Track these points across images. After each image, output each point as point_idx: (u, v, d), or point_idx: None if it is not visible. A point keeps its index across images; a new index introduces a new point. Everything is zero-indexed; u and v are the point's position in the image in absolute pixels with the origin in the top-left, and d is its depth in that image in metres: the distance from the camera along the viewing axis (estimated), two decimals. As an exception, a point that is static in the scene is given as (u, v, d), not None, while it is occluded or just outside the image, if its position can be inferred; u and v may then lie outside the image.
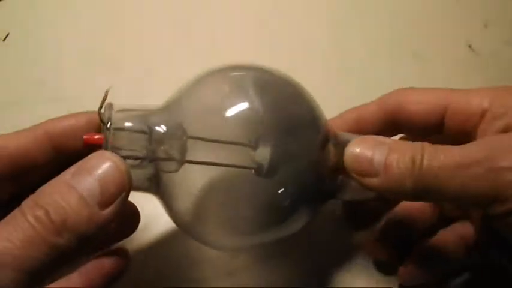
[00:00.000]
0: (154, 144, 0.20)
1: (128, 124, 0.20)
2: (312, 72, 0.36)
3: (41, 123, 0.22)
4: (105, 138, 0.19)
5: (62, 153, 0.22)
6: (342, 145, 0.23)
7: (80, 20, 0.38)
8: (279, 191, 0.22)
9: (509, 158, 0.18)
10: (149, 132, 0.20)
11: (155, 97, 0.35)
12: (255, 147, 0.21)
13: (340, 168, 0.22)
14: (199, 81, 0.22)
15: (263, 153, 0.21)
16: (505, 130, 0.21)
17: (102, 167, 0.18)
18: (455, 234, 0.27)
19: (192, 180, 0.21)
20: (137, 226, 0.25)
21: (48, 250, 0.16)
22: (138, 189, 0.21)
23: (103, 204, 0.17)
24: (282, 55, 0.37)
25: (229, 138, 0.20)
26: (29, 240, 0.16)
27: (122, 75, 0.36)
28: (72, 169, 0.18)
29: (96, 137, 0.19)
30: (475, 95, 0.23)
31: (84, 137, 0.19)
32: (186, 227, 0.23)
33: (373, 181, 0.20)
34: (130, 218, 0.25)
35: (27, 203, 0.17)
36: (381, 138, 0.21)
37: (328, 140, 0.23)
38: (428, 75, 0.37)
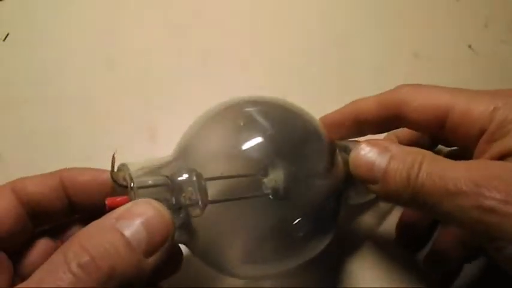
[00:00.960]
0: (176, 194, 0.20)
1: (149, 181, 0.20)
2: (311, 72, 0.37)
3: (60, 171, 0.22)
4: (130, 198, 0.19)
5: (76, 204, 0.22)
6: (344, 151, 0.23)
7: (80, 20, 0.38)
8: (300, 209, 0.22)
9: (496, 197, 0.17)
10: (170, 183, 0.20)
11: (155, 97, 0.35)
12: (265, 174, 0.21)
13: (347, 174, 0.23)
14: (203, 123, 0.23)
15: (277, 177, 0.21)
16: (501, 154, 0.20)
17: (148, 214, 0.17)
18: (453, 235, 0.27)
19: (215, 219, 0.21)
20: (180, 266, 0.24)
21: None
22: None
23: (149, 252, 0.17)
24: (281, 53, 0.37)
25: (242, 171, 0.21)
26: None
27: (122, 75, 0.36)
28: (116, 213, 0.17)
29: (119, 199, 0.19)
30: (478, 105, 0.21)
31: (106, 202, 0.19)
32: (218, 266, 0.23)
33: (374, 187, 0.21)
34: (173, 258, 0.24)
35: (71, 247, 0.16)
36: (386, 143, 0.21)
37: (334, 150, 0.24)
38: (429, 75, 0.37)
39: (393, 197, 0.20)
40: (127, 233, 0.17)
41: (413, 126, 0.24)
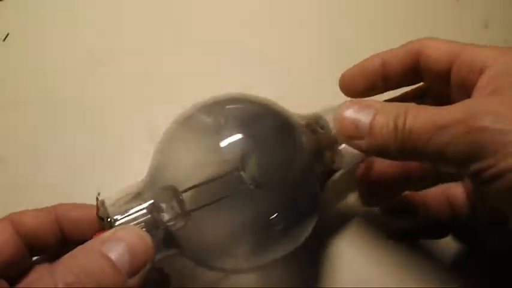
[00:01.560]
0: (156, 214, 0.21)
1: (128, 210, 0.21)
2: (310, 73, 0.37)
3: (55, 206, 0.23)
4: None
5: (69, 237, 0.23)
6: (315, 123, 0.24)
7: (80, 20, 0.38)
8: (281, 195, 0.23)
9: (488, 118, 0.18)
10: (148, 206, 0.21)
11: (155, 97, 0.35)
12: (242, 168, 0.22)
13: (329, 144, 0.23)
14: (168, 138, 0.24)
15: (252, 167, 0.22)
16: (494, 92, 0.20)
17: (130, 238, 0.19)
18: (443, 193, 0.27)
19: (202, 224, 0.22)
20: None
21: None
22: (158, 255, 0.22)
23: (131, 273, 0.18)
24: (281, 53, 0.37)
25: (216, 172, 0.22)
26: None
27: (122, 75, 0.36)
28: (101, 238, 0.19)
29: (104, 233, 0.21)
30: (484, 51, 0.22)
31: (93, 236, 0.21)
32: (210, 265, 0.24)
33: (360, 143, 0.21)
34: (160, 283, 0.25)
35: (58, 269, 0.17)
36: (369, 101, 0.22)
37: (301, 128, 0.24)
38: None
39: (382, 151, 0.21)
40: (112, 255, 0.18)
41: (429, 75, 0.24)
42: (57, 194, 0.31)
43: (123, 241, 0.19)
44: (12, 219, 0.22)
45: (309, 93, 0.35)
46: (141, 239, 0.19)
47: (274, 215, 0.22)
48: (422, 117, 0.19)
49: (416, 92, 0.28)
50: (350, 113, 0.21)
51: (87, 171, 0.32)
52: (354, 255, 0.29)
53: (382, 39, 0.38)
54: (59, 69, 0.36)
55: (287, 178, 0.23)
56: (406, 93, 0.28)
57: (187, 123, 0.24)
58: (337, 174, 0.27)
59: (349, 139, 0.21)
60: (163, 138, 0.24)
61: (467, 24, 0.39)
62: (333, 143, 0.25)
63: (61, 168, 0.32)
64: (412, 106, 0.20)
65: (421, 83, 0.27)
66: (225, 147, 0.22)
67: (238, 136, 0.22)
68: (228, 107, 0.24)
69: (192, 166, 0.22)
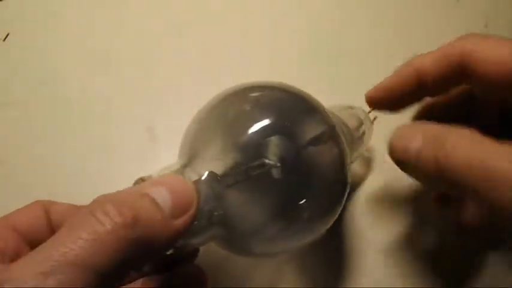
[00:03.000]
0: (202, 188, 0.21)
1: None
2: (310, 73, 0.37)
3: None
4: None
5: None
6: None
7: (80, 20, 0.38)
8: (309, 181, 0.22)
9: None
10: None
11: (155, 97, 0.35)
12: (272, 154, 0.22)
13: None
14: (198, 124, 0.24)
15: (282, 153, 0.22)
16: None
17: (172, 181, 0.18)
18: None
19: (235, 205, 0.22)
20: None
21: (118, 246, 0.15)
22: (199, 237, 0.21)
23: (174, 214, 0.17)
24: (281, 54, 0.37)
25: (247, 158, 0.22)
26: (98, 238, 0.15)
27: (121, 75, 0.36)
28: (137, 186, 0.18)
29: None
30: None
31: None
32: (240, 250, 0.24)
33: (407, 169, 0.20)
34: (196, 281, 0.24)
35: (95, 201, 0.16)
36: (415, 128, 0.21)
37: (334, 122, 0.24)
38: (429, 75, 0.37)
39: (425, 183, 0.20)
40: (152, 193, 0.17)
41: (480, 82, 0.21)
42: (57, 194, 0.31)
43: (163, 184, 0.18)
44: (44, 204, 0.22)
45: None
46: (182, 181, 0.19)
47: (303, 201, 0.22)
48: (464, 153, 0.18)
49: (463, 96, 0.25)
50: (399, 139, 0.21)
51: (87, 171, 0.32)
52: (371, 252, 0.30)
53: (382, 39, 0.38)
54: (59, 69, 0.36)
55: (317, 164, 0.23)
56: (450, 97, 0.26)
57: (218, 107, 0.24)
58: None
59: (398, 164, 0.21)
60: (195, 121, 0.24)
61: (467, 24, 0.39)
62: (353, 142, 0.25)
63: (61, 169, 0.32)
64: (456, 139, 0.18)
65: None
66: (256, 132, 0.22)
67: (271, 121, 0.22)
68: (258, 93, 0.24)
69: (222, 150, 0.22)
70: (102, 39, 0.37)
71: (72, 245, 0.14)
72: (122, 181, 0.23)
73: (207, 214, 0.20)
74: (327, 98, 0.26)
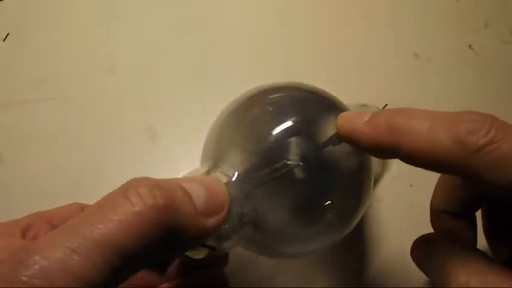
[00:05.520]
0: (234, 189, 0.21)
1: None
2: (311, 72, 0.36)
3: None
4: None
5: None
6: None
7: (80, 20, 0.38)
8: (337, 181, 0.23)
9: None
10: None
11: (155, 97, 0.35)
12: (295, 155, 0.22)
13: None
14: (221, 125, 0.24)
15: (306, 154, 0.22)
16: None
17: (206, 180, 0.18)
18: None
19: (262, 206, 0.22)
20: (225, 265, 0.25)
21: (146, 229, 0.15)
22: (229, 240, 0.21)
23: (207, 212, 0.17)
24: (281, 54, 0.37)
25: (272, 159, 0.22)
26: (126, 219, 0.15)
27: (122, 75, 0.36)
28: (178, 178, 0.18)
29: None
30: None
31: None
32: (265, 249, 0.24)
33: None
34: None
35: (129, 182, 0.16)
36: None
37: None
38: (429, 75, 0.37)
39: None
40: (188, 187, 0.17)
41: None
42: (57, 194, 0.31)
43: (198, 182, 0.18)
44: (81, 206, 0.22)
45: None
46: (217, 182, 0.19)
47: (327, 199, 0.22)
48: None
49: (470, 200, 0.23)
50: None
51: (87, 171, 0.32)
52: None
53: (382, 39, 0.38)
54: (59, 69, 0.36)
55: (342, 166, 0.23)
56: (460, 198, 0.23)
57: (239, 110, 0.24)
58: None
59: None
60: (217, 125, 0.24)
61: (467, 24, 0.39)
62: None
63: (61, 169, 0.32)
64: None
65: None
66: (279, 134, 0.22)
67: (293, 123, 0.22)
68: (279, 94, 0.24)
69: (245, 153, 0.22)
70: (102, 39, 0.37)
71: (100, 225, 0.14)
72: (121, 181, 0.23)
73: (237, 216, 0.20)
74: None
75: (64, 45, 0.37)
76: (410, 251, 0.21)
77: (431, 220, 0.24)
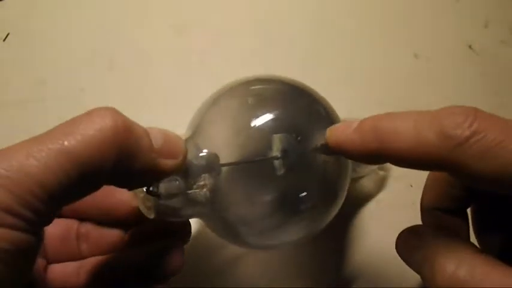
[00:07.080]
0: (193, 172, 0.21)
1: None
2: (311, 73, 0.37)
3: None
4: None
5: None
6: None
7: (80, 20, 0.38)
8: (313, 172, 0.23)
9: None
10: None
11: (155, 97, 0.35)
12: (275, 148, 0.22)
13: None
14: (211, 104, 0.25)
15: (283, 146, 0.22)
16: None
17: (169, 131, 0.19)
18: None
19: (229, 189, 0.22)
20: (188, 239, 0.25)
21: (102, 144, 0.16)
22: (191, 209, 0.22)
23: (160, 153, 0.18)
24: (280, 54, 0.37)
25: (254, 146, 0.22)
26: (86, 133, 0.17)
27: (121, 75, 0.36)
28: None
29: None
30: None
31: None
32: (232, 236, 0.24)
33: None
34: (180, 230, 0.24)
35: (96, 108, 0.18)
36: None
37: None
38: (429, 75, 0.37)
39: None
40: (147, 128, 0.18)
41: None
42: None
43: (159, 129, 0.19)
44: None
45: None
46: (177, 136, 0.20)
47: (303, 194, 0.22)
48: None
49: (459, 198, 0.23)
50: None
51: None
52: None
53: (382, 39, 0.38)
54: (59, 69, 0.36)
55: (317, 159, 0.23)
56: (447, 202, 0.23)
57: (233, 92, 0.25)
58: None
59: None
60: (205, 103, 0.25)
61: (467, 24, 0.39)
62: None
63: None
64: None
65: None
66: (257, 127, 0.22)
67: (270, 115, 0.22)
68: (261, 86, 0.25)
69: (224, 144, 0.23)
70: (102, 39, 0.37)
71: (62, 136, 0.16)
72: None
73: (193, 181, 0.21)
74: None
75: (64, 45, 0.37)
76: (396, 245, 0.21)
77: (422, 218, 0.23)
